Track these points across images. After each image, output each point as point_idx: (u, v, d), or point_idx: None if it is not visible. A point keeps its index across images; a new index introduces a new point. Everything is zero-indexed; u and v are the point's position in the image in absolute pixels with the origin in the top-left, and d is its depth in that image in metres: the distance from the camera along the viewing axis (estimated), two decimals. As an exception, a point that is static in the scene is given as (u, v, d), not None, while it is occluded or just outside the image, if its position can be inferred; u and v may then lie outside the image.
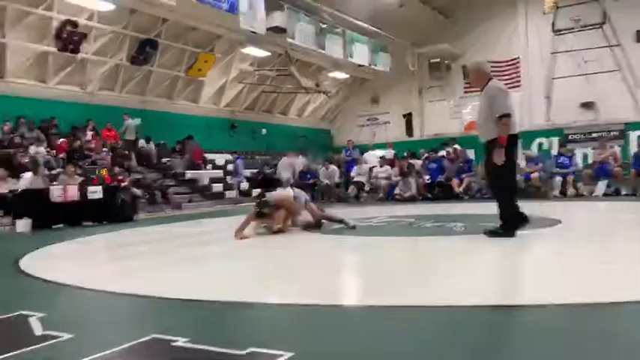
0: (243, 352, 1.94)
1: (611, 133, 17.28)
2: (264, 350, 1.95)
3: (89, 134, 14.51)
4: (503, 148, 4.83)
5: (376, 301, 2.88)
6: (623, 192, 11.34)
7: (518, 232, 4.96)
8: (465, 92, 20.70)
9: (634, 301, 2.49)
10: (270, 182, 12.47)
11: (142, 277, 3.97)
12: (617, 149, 13.56)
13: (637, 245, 4.62)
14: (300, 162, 14.95)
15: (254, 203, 6.60)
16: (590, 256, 4.10)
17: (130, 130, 15.53)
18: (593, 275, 3.24)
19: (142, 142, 15.83)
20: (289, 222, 6.54)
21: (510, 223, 4.99)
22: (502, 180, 5.02)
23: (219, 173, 16.83)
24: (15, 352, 2.07)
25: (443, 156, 14.04)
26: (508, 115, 4.86)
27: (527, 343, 1.97)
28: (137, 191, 11.81)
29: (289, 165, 14.70)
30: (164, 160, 16.04)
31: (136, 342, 2.15)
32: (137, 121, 15.66)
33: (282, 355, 1.88)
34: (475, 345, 1.99)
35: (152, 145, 16.07)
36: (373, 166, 14.53)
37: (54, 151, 13.04)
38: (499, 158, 4.84)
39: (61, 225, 9.35)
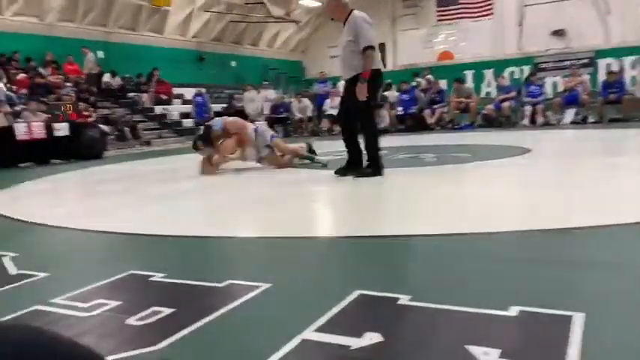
0: (221, 285, 1.97)
1: (581, 61, 17.37)
2: (242, 282, 1.98)
3: (49, 69, 13.92)
4: (366, 83, 4.61)
5: (348, 232, 2.93)
6: (590, 120, 11.56)
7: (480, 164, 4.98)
8: (439, 20, 20.38)
9: (600, 225, 2.59)
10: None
11: (114, 214, 3.94)
12: (586, 77, 13.69)
13: (602, 171, 4.75)
14: (267, 95, 14.71)
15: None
16: (556, 184, 4.21)
17: (91, 64, 14.93)
18: (562, 202, 3.34)
19: (106, 77, 15.30)
20: (237, 153, 6.21)
21: (376, 162, 4.83)
22: (366, 117, 4.82)
23: (189, 108, 16.51)
24: (-11, 292, 2.06)
25: (414, 86, 13.95)
26: (372, 48, 4.64)
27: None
28: (105, 128, 11.54)
29: (250, 99, 14.51)
30: (130, 95, 15.59)
31: (113, 278, 2.15)
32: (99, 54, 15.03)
33: (260, 287, 1.91)
34: (449, 266, 2.05)
35: (118, 79, 15.56)
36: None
37: (14, 87, 12.52)
38: (362, 93, 4.60)
39: (28, 163, 9.14)
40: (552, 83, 15.73)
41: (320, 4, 21.33)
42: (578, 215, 2.90)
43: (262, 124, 6.74)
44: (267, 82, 15.22)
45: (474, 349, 1.34)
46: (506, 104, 12.16)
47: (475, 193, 4.01)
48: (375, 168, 4.81)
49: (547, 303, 1.60)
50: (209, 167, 5.94)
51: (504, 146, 7.36)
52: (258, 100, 14.92)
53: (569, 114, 11.79)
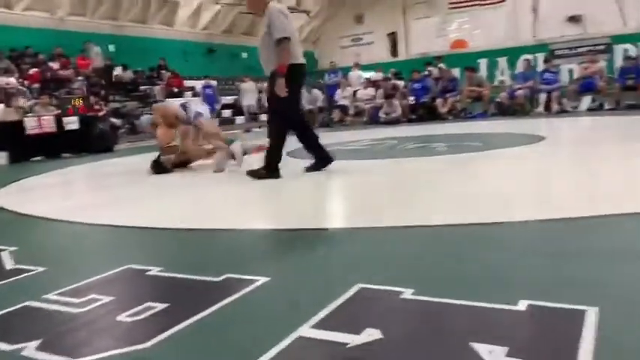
0: (219, 279, 1.90)
1: (597, 47, 17.02)
2: (240, 276, 1.91)
3: (58, 62, 13.94)
4: (283, 79, 4.25)
5: (355, 223, 2.85)
6: (607, 106, 11.31)
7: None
8: (451, 8, 20.11)
9: (616, 214, 2.48)
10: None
11: (118, 207, 3.89)
12: (603, 64, 13.38)
13: (618, 160, 4.61)
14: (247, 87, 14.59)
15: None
16: (571, 172, 4.09)
17: (97, 57, 14.93)
18: (576, 190, 3.23)
19: (117, 70, 15.31)
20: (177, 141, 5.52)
21: (271, 164, 4.44)
22: (283, 116, 4.44)
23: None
24: (-17, 288, 2.01)
25: (426, 75, 13.75)
26: (287, 39, 4.27)
27: (506, 256, 1.95)
28: (116, 121, 11.55)
29: (246, 90, 14.42)
30: (142, 88, 15.60)
31: (110, 272, 2.10)
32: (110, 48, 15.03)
33: (257, 280, 1.84)
34: (457, 257, 1.96)
35: (129, 73, 15.57)
36: (357, 89, 14.26)
37: (26, 81, 12.58)
38: (280, 90, 4.24)
39: (39, 157, 9.18)
40: (568, 70, 15.42)
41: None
42: (594, 204, 2.79)
43: (195, 100, 5.97)
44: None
45: (479, 347, 1.25)
46: (520, 92, 11.93)
47: (486, 182, 3.90)
48: (269, 170, 4.43)
49: (559, 296, 1.51)
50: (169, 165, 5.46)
51: (518, 134, 7.21)
52: (255, 91, 14.79)
53: (586, 101, 11.55)
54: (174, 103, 5.75)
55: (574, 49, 17.56)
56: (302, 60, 4.46)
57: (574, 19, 18.10)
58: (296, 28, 4.41)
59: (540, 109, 11.73)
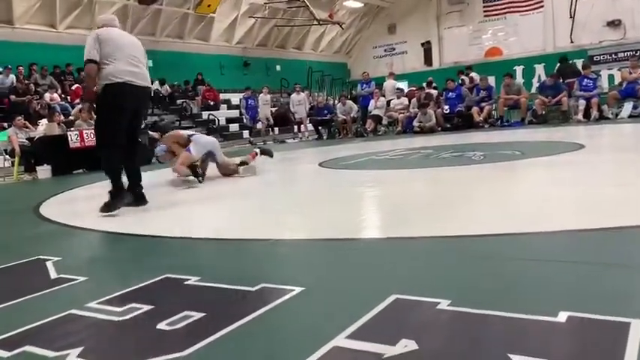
0: (254, 289, 1.92)
1: (638, 53, 16.54)
2: (275, 286, 1.93)
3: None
4: (87, 102, 4.00)
5: (391, 233, 2.83)
6: (650, 113, 10.95)
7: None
8: (485, 16, 19.91)
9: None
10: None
11: (155, 218, 3.98)
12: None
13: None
14: (299, 98, 14.66)
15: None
16: (612, 181, 3.97)
17: None
18: (617, 199, 3.13)
19: (155, 85, 15.69)
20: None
21: (117, 192, 4.06)
22: (99, 145, 4.14)
23: (235, 113, 16.73)
24: (28, 297, 2.08)
25: (460, 84, 13.61)
26: (90, 61, 3.93)
27: (544, 269, 1.91)
28: (154, 134, 11.81)
29: (299, 101, 14.52)
30: (179, 101, 15.95)
31: (148, 282, 2.14)
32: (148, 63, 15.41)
33: (293, 290, 1.85)
34: (495, 268, 1.93)
35: (167, 87, 15.94)
36: (391, 99, 14.22)
37: (68, 97, 13.02)
38: (86, 112, 3.93)
39: (80, 170, 9.45)
40: (607, 76, 15.02)
41: (362, 4, 21.24)
42: (637, 213, 2.70)
43: (200, 136, 6.26)
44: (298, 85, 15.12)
45: (518, 359, 1.22)
46: (564, 99, 11.61)
47: (523, 191, 3.83)
48: (111, 197, 4.04)
49: (601, 308, 1.46)
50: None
51: (556, 142, 7.05)
52: (304, 101, 14.90)
53: (627, 107, 11.20)
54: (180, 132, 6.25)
55: (613, 55, 17.11)
56: (126, 78, 3.98)
57: (613, 24, 17.67)
58: (127, 44, 4.04)
59: (579, 116, 11.43)
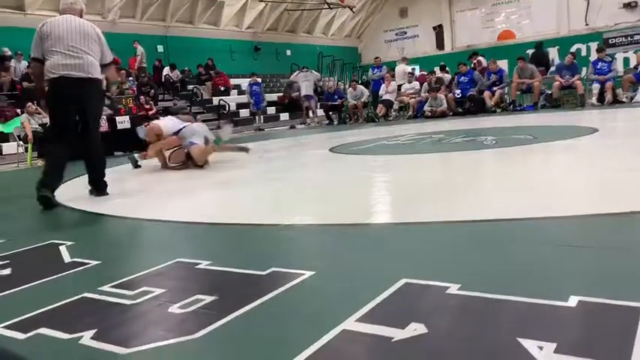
0: (264, 273, 1.93)
1: (656, 35, 16.26)
2: (286, 270, 1.94)
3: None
4: (43, 98, 4.09)
5: (401, 218, 2.83)
6: (667, 96, 10.77)
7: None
8: (498, -1, 19.61)
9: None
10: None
11: (166, 203, 4.02)
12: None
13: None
14: (305, 74, 14.51)
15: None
16: (626, 165, 3.92)
17: (140, 58, 15.31)
18: (631, 184, 3.10)
19: (166, 70, 15.71)
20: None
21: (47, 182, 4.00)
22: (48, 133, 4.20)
23: (245, 98, 16.69)
24: (42, 280, 2.11)
25: (472, 68, 13.45)
26: (34, 60, 4.03)
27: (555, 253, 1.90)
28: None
29: (305, 77, 14.37)
30: (189, 87, 15.94)
31: (160, 266, 2.16)
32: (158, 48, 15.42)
33: (303, 274, 1.86)
34: (505, 252, 1.92)
35: (177, 72, 15.93)
36: (402, 84, 14.11)
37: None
38: (43, 108, 4.13)
39: (93, 156, 9.51)
40: (623, 59, 14.78)
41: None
42: (651, 197, 2.67)
43: (194, 126, 6.18)
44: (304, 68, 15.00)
45: (527, 343, 1.23)
46: (578, 83, 11.44)
47: (535, 175, 3.80)
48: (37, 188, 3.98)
49: (612, 293, 1.46)
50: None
51: (569, 126, 6.98)
52: (310, 78, 14.74)
53: (642, 91, 11.03)
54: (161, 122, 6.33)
55: (629, 37, 16.82)
56: (61, 72, 3.92)
57: (629, 6, 17.34)
58: (68, 33, 3.99)
59: (593, 100, 11.28)
